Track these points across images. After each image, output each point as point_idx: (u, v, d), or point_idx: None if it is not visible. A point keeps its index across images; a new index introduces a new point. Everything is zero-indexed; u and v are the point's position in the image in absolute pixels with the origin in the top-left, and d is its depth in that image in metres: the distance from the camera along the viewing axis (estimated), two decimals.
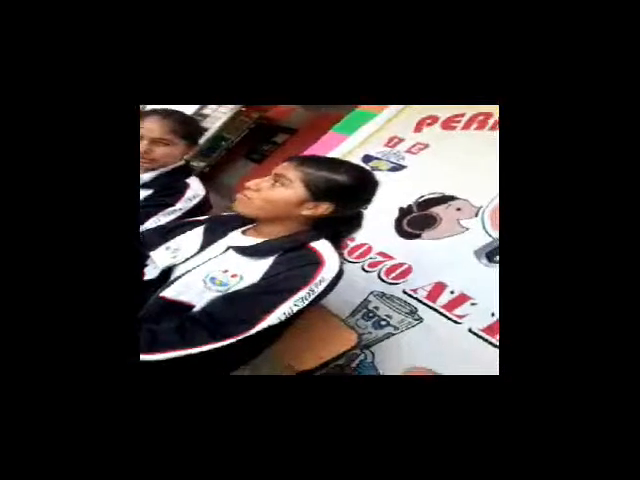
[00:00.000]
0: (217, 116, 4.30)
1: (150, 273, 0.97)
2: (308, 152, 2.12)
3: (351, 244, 1.54)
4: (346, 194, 0.92)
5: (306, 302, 0.85)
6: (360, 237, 1.53)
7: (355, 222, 1.01)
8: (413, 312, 1.19)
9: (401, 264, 1.33)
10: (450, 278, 1.16)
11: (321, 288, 0.86)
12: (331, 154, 1.96)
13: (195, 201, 1.27)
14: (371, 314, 1.28)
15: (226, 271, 0.89)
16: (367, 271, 1.41)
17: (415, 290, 1.22)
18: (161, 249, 1.01)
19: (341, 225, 0.98)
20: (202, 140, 4.08)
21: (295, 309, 0.84)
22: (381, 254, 1.42)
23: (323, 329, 1.10)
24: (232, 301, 0.85)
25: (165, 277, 0.94)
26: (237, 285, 0.87)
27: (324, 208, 0.91)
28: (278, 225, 0.93)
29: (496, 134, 1.43)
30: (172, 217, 1.23)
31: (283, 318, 0.83)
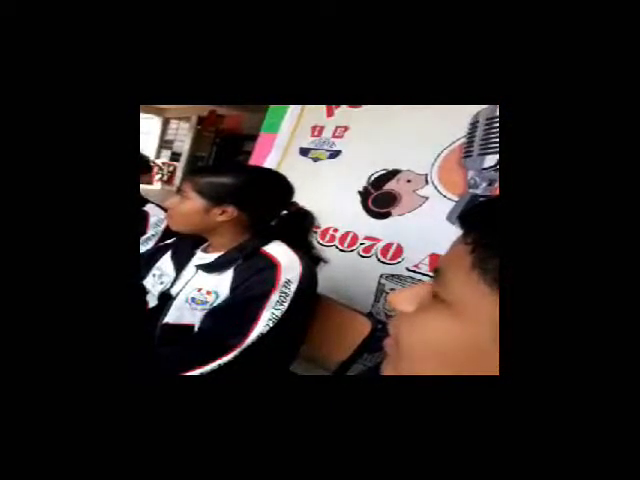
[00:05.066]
0: (181, 139, 4.03)
1: (151, 301, 0.92)
2: (252, 159, 2.01)
3: (337, 235, 1.52)
4: (240, 195, 0.84)
5: (286, 305, 0.78)
6: (341, 226, 1.51)
7: (303, 219, 0.93)
8: None
9: (390, 244, 1.32)
10: (440, 247, 1.16)
11: (293, 288, 0.79)
12: (272, 154, 1.87)
13: (162, 225, 1.25)
14: None
15: (200, 290, 0.84)
16: (364, 256, 1.41)
17: (417, 265, 1.23)
18: (149, 277, 0.97)
19: (288, 226, 0.91)
20: (181, 164, 3.87)
21: (279, 313, 0.77)
22: (368, 238, 1.40)
23: (341, 321, 1.02)
24: (216, 317, 0.80)
25: (164, 302, 0.88)
26: (216, 301, 0.82)
27: (230, 212, 0.83)
28: (222, 237, 0.87)
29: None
30: (151, 243, 1.20)
31: (271, 324, 0.77)
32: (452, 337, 0.35)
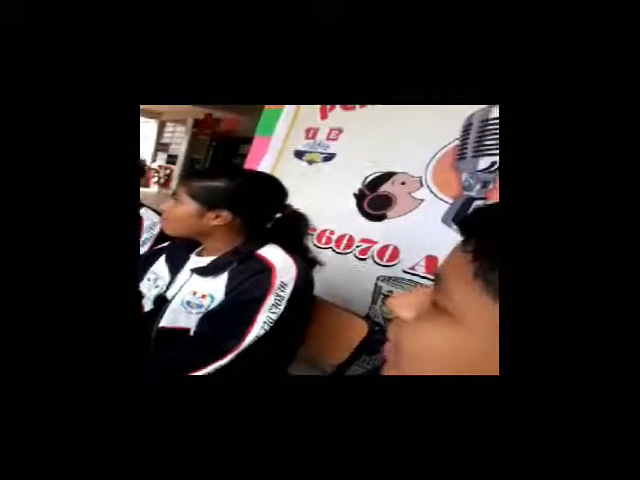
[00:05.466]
0: (177, 142, 4.00)
1: (147, 305, 0.91)
2: (247, 162, 2.00)
3: (333, 237, 1.51)
4: (234, 199, 0.83)
5: (281, 308, 0.77)
6: (337, 228, 1.50)
7: (298, 222, 0.92)
8: None
9: (386, 246, 1.31)
10: (436, 249, 1.16)
11: (289, 291, 0.78)
12: (267, 157, 1.85)
13: (157, 228, 1.24)
14: None
15: (195, 293, 0.83)
16: (361, 259, 1.40)
17: (413, 267, 1.22)
18: (144, 281, 0.96)
19: (283, 229, 0.90)
20: (178, 167, 3.85)
21: (274, 316, 0.77)
22: (364, 240, 1.40)
23: (338, 324, 1.02)
24: (212, 320, 0.80)
25: (159, 306, 0.87)
26: (211, 304, 0.81)
27: (225, 216, 0.83)
28: (217, 241, 0.87)
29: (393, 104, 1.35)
30: (145, 247, 1.19)
31: (267, 328, 0.76)
32: (453, 345, 0.34)
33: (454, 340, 0.34)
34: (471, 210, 1.10)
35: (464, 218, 0.36)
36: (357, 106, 1.47)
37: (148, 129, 4.66)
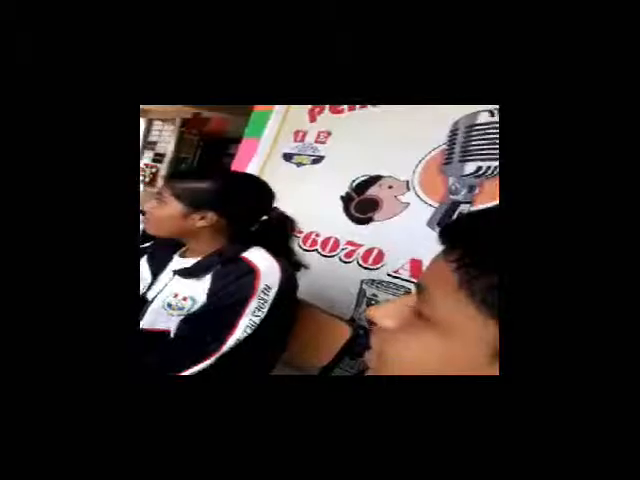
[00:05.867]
0: (165, 140, 3.95)
1: None
2: (234, 164, 1.98)
3: (319, 239, 1.51)
4: (219, 200, 0.82)
5: (264, 311, 0.77)
6: (323, 231, 1.50)
7: (284, 225, 0.92)
8: (409, 293, 1.19)
9: (371, 249, 1.31)
10: (420, 253, 1.16)
11: (272, 294, 0.78)
12: (255, 159, 1.84)
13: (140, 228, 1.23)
14: (373, 302, 1.28)
15: (176, 295, 0.82)
16: (345, 262, 1.40)
17: (397, 271, 1.22)
18: None
19: (269, 231, 0.89)
20: (164, 166, 3.80)
21: (257, 320, 0.76)
22: (350, 243, 1.39)
23: (321, 327, 1.02)
24: (193, 323, 0.79)
25: (140, 307, 0.86)
26: (192, 307, 0.80)
27: (210, 217, 0.82)
28: (201, 242, 0.85)
29: (383, 108, 1.34)
30: None
31: (250, 331, 0.76)
32: (438, 356, 0.33)
33: (439, 351, 0.33)
34: (454, 217, 1.11)
35: (444, 228, 0.35)
36: (345, 109, 1.47)
37: None
